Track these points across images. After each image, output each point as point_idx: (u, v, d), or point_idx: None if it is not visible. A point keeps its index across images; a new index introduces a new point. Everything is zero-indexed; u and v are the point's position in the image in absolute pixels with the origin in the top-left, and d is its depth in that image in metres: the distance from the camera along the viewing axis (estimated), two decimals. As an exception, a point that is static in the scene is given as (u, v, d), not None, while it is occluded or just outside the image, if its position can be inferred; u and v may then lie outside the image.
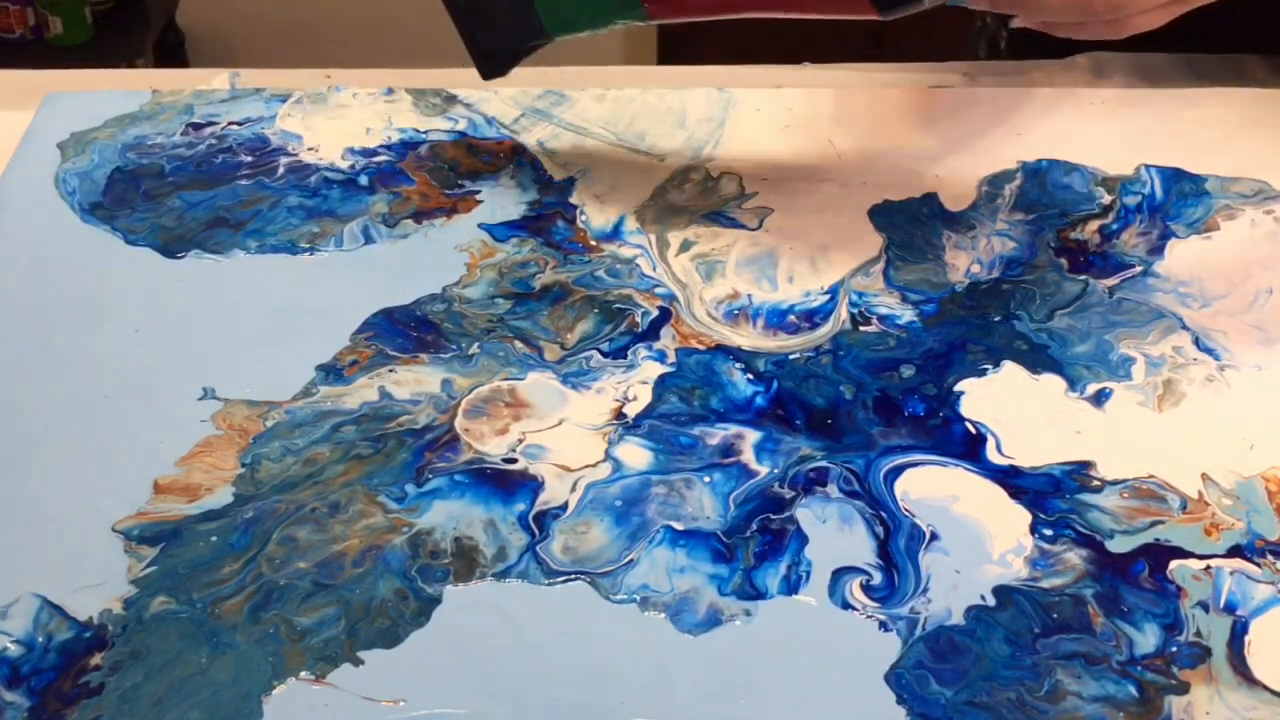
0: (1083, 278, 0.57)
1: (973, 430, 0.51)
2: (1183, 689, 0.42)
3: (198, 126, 0.65)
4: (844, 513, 0.47)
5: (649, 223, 0.60)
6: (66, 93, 0.67)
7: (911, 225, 0.60)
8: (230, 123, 0.65)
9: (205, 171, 0.62)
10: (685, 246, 0.59)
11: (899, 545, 0.46)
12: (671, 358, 0.53)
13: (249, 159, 0.63)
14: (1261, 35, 0.72)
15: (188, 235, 0.59)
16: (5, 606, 0.44)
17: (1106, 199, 0.62)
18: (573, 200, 0.61)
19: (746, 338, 0.55)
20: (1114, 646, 0.43)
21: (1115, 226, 0.60)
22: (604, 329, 0.55)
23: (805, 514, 0.47)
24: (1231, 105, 0.67)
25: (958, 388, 0.52)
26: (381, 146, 0.64)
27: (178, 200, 0.61)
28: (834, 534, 0.47)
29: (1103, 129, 0.66)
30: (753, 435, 0.50)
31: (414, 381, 0.52)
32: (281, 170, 0.62)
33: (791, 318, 0.55)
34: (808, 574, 0.45)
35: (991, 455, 0.50)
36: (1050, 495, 0.48)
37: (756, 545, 0.46)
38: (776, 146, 0.65)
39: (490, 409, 0.51)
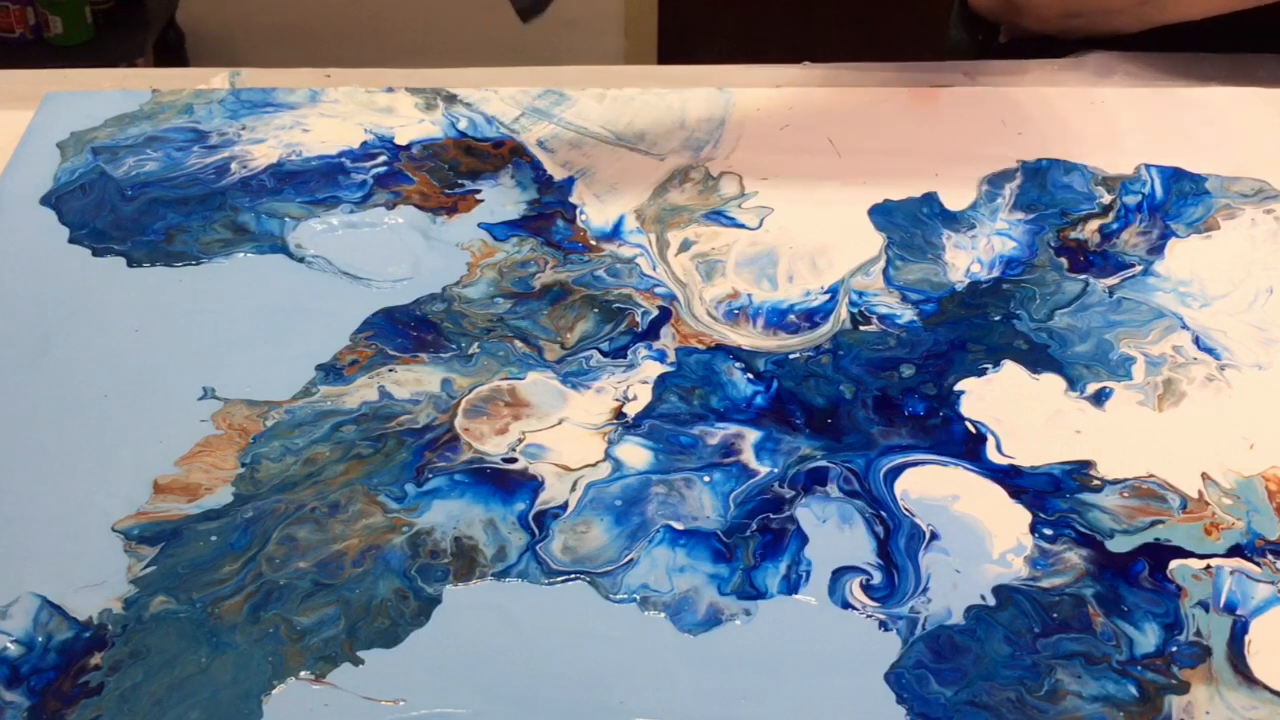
0: (1083, 277, 0.57)
1: (973, 430, 0.50)
2: (1183, 689, 0.42)
3: (201, 135, 0.65)
4: (844, 512, 0.47)
5: (649, 222, 0.60)
6: (66, 92, 0.67)
7: (911, 225, 0.60)
8: (235, 129, 0.65)
9: (202, 175, 0.62)
10: (685, 246, 0.59)
11: (899, 545, 0.46)
12: (671, 357, 0.53)
13: (249, 161, 0.63)
14: (1262, 35, 0.72)
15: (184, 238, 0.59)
16: (5, 606, 0.44)
17: (1106, 198, 0.62)
18: (573, 200, 0.61)
19: (746, 337, 0.54)
20: (1114, 646, 0.43)
21: (1115, 226, 0.60)
22: (604, 328, 0.55)
23: (805, 514, 0.47)
24: (1231, 105, 0.67)
25: (958, 387, 0.52)
26: (381, 146, 0.64)
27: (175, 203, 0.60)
28: (834, 534, 0.47)
29: (1103, 129, 0.66)
30: (753, 435, 0.50)
31: (414, 381, 0.52)
32: (280, 171, 0.63)
33: (791, 317, 0.55)
34: (808, 574, 0.45)
35: (991, 455, 0.50)
36: (1050, 495, 0.48)
37: (756, 545, 0.46)
38: (776, 146, 0.65)
39: (490, 408, 0.51)
